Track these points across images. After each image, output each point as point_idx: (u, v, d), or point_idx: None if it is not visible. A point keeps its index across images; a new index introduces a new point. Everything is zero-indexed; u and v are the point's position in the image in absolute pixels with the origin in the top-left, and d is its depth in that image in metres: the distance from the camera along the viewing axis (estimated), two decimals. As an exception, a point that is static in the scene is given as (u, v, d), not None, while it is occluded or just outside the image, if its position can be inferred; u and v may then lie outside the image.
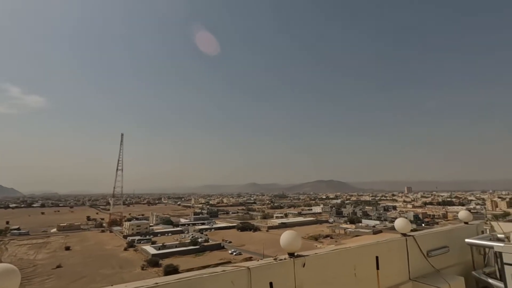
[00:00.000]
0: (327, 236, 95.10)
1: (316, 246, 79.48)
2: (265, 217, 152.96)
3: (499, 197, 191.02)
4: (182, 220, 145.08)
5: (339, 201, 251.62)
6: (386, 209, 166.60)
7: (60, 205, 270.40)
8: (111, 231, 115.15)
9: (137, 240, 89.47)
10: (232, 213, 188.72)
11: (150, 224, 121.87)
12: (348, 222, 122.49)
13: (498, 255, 4.15)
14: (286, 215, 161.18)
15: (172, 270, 56.00)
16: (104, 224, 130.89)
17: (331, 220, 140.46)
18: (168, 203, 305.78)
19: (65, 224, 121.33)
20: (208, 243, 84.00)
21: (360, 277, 3.79)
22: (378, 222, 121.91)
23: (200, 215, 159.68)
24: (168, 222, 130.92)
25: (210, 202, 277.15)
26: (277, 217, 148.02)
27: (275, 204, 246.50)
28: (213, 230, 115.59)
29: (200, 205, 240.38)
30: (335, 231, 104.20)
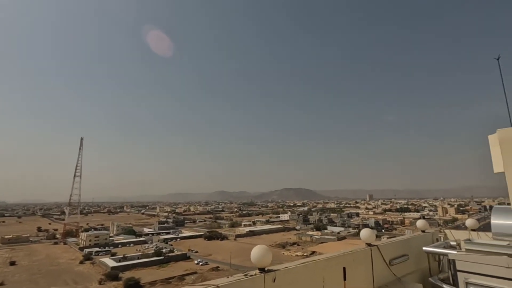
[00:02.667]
0: (294, 243, 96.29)
1: (284, 253, 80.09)
2: (233, 225, 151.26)
3: (448, 204, 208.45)
4: (146, 230, 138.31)
5: (306, 208, 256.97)
6: (350, 216, 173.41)
7: (6, 215, 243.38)
8: (65, 243, 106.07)
9: (95, 252, 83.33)
10: (199, 221, 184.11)
11: (110, 235, 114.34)
12: (314, 229, 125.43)
13: (452, 262, 4.47)
14: (254, 223, 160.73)
15: (133, 283, 52.79)
16: (57, 236, 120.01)
17: (298, 227, 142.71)
18: (131, 212, 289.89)
19: (10, 236, 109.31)
20: (173, 254, 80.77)
21: (329, 288, 3.85)
22: (342, 228, 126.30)
23: (166, 224, 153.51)
24: (130, 232, 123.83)
25: (177, 210, 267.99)
26: (245, 225, 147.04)
27: (244, 212, 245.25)
28: (179, 239, 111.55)
29: (166, 214, 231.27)
30: (302, 238, 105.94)
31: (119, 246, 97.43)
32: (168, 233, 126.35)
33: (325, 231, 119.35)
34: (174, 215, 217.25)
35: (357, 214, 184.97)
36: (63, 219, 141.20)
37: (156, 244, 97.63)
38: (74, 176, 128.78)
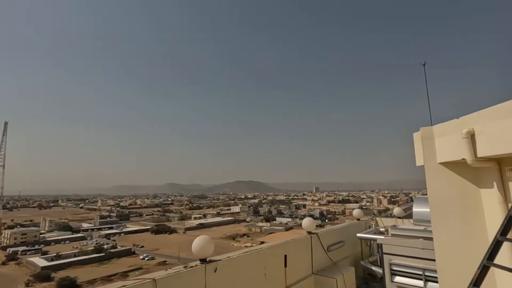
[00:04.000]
0: (244, 235, 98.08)
1: (233, 245, 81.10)
2: (183, 218, 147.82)
3: (382, 196, 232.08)
4: (85, 225, 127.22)
5: (256, 200, 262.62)
6: (298, 207, 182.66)
7: None
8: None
9: (22, 251, 74.19)
10: (147, 215, 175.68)
11: (41, 232, 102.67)
12: (264, 221, 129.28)
13: (380, 246, 5.01)
14: (205, 216, 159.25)
15: (68, 283, 48.42)
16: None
17: (248, 219, 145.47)
18: (67, 206, 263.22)
19: None
20: (116, 250, 75.97)
21: (270, 276, 3.98)
22: (290, 219, 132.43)
23: (108, 219, 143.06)
24: (66, 228, 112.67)
25: (121, 204, 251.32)
26: (195, 218, 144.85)
27: (194, 205, 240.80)
28: (123, 234, 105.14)
29: (109, 208, 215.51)
30: (252, 230, 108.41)
31: (52, 243, 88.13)
32: (111, 228, 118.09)
33: (274, 222, 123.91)
34: (118, 209, 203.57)
35: (304, 206, 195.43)
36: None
37: (96, 240, 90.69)
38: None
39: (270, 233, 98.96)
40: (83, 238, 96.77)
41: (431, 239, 3.11)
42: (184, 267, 2.92)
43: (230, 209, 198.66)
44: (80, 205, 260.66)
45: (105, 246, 77.77)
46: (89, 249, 75.34)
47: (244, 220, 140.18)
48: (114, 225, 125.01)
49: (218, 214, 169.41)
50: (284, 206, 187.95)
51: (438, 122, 3.07)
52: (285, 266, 4.32)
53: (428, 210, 3.01)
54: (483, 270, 1.37)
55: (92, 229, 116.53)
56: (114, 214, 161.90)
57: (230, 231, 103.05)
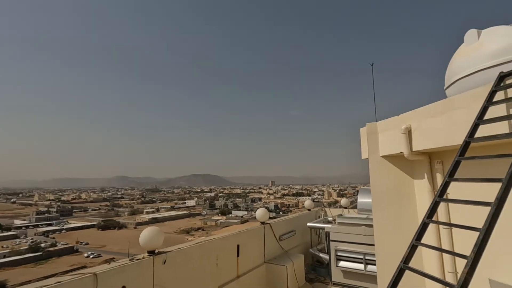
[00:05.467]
0: (199, 228, 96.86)
1: (187, 239, 79.66)
2: (134, 213, 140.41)
3: (332, 189, 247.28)
4: (18, 222, 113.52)
5: (213, 194, 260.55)
6: (254, 200, 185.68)
7: None
8: None
9: None
10: (93, 210, 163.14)
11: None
12: (220, 214, 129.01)
13: (327, 234, 5.35)
14: (158, 210, 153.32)
15: (-5, 287, 42.95)
16: None
17: (204, 212, 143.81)
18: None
19: None
20: (56, 248, 69.42)
21: (222, 266, 3.98)
22: (246, 212, 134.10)
23: (47, 215, 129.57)
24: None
25: (63, 198, 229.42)
26: (147, 213, 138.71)
27: (147, 199, 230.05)
28: (64, 231, 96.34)
29: (47, 203, 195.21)
30: (207, 223, 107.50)
31: (-25, 243, 77.22)
32: (49, 225, 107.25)
33: (230, 215, 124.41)
34: (59, 203, 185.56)
35: (260, 199, 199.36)
36: None
37: (31, 238, 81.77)
38: None
39: (226, 226, 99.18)
40: (15, 237, 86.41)
41: (372, 226, 3.40)
42: (130, 259, 2.77)
43: (185, 203, 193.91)
44: (12, 200, 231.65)
45: (43, 245, 70.48)
46: (22, 248, 67.58)
47: (200, 214, 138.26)
48: (53, 222, 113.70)
49: (173, 208, 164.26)
50: (240, 200, 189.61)
51: (383, 119, 3.36)
52: (238, 255, 4.37)
53: (371, 200, 3.28)
54: (412, 249, 1.50)
55: (27, 226, 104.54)
56: (54, 210, 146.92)
57: (185, 225, 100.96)
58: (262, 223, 5.38)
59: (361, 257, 4.81)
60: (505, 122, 1.75)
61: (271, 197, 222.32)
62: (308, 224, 6.53)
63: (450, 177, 1.64)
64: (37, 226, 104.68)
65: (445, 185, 1.63)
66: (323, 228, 6.12)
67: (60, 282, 2.17)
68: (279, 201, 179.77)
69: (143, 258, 2.85)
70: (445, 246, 2.47)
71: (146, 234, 2.94)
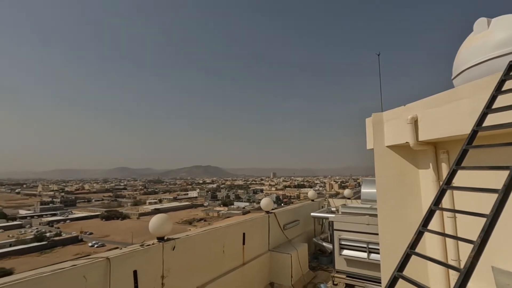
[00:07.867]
0: (201, 219, 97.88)
1: (189, 229, 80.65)
2: (137, 203, 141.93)
3: (334, 181, 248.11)
4: (22, 212, 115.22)
5: (215, 185, 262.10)
6: (255, 192, 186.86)
7: None
8: None
9: None
10: (96, 200, 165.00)
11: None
12: (222, 205, 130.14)
13: (331, 224, 5.43)
14: (160, 201, 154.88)
15: (2, 275, 43.91)
16: None
17: (206, 204, 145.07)
18: None
19: None
20: (61, 237, 70.56)
21: (228, 253, 4.08)
22: (247, 203, 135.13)
23: (51, 205, 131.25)
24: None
25: (66, 189, 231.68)
26: (150, 203, 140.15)
27: (149, 190, 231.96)
28: (68, 221, 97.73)
29: (51, 193, 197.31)
30: (209, 214, 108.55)
31: (-20, 233, 78.64)
32: (54, 215, 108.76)
33: (232, 206, 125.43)
34: (63, 194, 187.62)
35: (261, 190, 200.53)
36: None
37: (37, 228, 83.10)
38: None
39: (227, 217, 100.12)
40: (20, 226, 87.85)
41: (375, 215, 3.45)
42: (140, 245, 2.85)
43: (187, 194, 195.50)
44: (17, 190, 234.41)
45: (48, 234, 71.68)
46: (28, 237, 68.79)
47: (202, 205, 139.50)
48: (58, 212, 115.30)
49: (175, 199, 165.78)
50: (242, 191, 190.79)
51: (388, 109, 3.37)
52: (243, 243, 4.47)
53: (375, 190, 3.32)
54: (419, 235, 1.52)
55: (32, 216, 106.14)
56: (58, 200, 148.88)
57: (187, 216, 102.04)
58: (267, 212, 5.48)
59: (365, 246, 4.90)
60: (513, 111, 1.75)
61: (273, 188, 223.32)
62: (312, 214, 6.63)
63: (458, 165, 1.66)
64: (41, 216, 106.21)
65: (452, 173, 1.64)
66: (327, 218, 6.21)
67: (75, 265, 2.25)
68: (280, 192, 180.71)
69: (153, 244, 2.94)
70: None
71: (155, 221, 3.01)
